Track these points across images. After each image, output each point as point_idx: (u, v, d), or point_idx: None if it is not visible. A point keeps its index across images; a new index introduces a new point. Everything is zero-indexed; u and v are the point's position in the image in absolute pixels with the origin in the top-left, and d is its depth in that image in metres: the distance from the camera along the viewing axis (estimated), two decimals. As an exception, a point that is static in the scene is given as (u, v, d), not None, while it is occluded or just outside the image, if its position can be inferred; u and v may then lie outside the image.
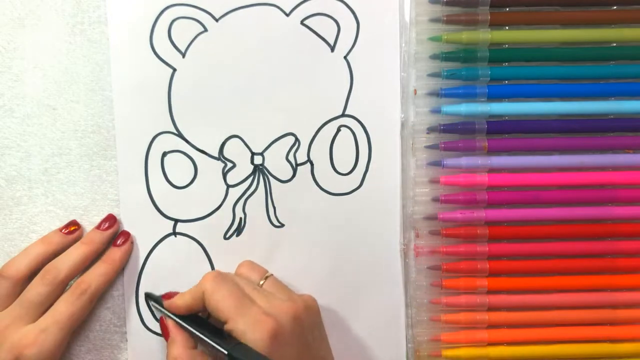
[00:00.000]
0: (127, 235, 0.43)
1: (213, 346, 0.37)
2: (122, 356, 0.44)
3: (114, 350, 0.44)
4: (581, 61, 0.44)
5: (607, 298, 0.44)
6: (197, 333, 0.39)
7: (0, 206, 0.44)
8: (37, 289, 0.40)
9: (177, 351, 0.39)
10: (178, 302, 0.40)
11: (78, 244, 0.42)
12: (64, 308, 0.40)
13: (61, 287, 0.41)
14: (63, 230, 0.43)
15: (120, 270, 0.43)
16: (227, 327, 0.38)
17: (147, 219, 0.44)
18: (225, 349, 0.36)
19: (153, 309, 0.44)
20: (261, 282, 0.42)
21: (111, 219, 0.43)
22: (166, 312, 0.41)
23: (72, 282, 0.42)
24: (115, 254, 0.43)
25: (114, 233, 0.43)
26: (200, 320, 0.41)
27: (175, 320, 0.41)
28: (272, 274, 0.42)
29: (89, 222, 0.44)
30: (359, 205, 0.44)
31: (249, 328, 0.37)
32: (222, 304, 0.38)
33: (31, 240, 0.44)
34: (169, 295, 0.42)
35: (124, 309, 0.44)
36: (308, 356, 0.39)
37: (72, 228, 0.43)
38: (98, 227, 0.43)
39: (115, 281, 0.44)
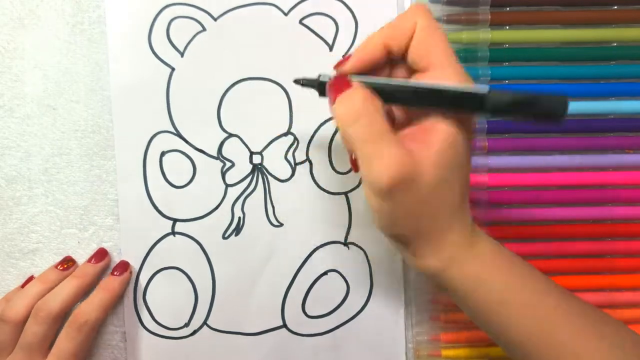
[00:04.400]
0: (125, 266, 0.43)
1: (459, 93, 0.28)
2: (122, 356, 0.44)
3: (113, 350, 0.44)
4: (581, 61, 0.44)
5: (607, 298, 0.44)
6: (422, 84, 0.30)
7: (0, 206, 0.44)
8: (32, 329, 0.39)
9: (362, 97, 0.29)
10: (371, 41, 0.31)
11: (69, 277, 0.42)
12: (67, 344, 0.39)
13: (57, 323, 0.40)
14: (59, 267, 0.42)
15: (118, 299, 0.43)
16: (429, 76, 0.30)
17: (146, 218, 0.43)
18: (484, 90, 0.28)
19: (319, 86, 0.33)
20: None
21: (102, 253, 0.43)
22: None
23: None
24: (113, 282, 0.42)
25: (106, 265, 0.43)
26: None
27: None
28: None
29: (89, 222, 0.44)
30: (358, 205, 0.44)
31: (460, 80, 0.29)
32: (437, 48, 0.29)
33: (31, 240, 0.44)
34: (342, 62, 0.32)
35: (123, 309, 0.44)
36: None
37: (68, 264, 0.43)
38: (89, 260, 0.43)
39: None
